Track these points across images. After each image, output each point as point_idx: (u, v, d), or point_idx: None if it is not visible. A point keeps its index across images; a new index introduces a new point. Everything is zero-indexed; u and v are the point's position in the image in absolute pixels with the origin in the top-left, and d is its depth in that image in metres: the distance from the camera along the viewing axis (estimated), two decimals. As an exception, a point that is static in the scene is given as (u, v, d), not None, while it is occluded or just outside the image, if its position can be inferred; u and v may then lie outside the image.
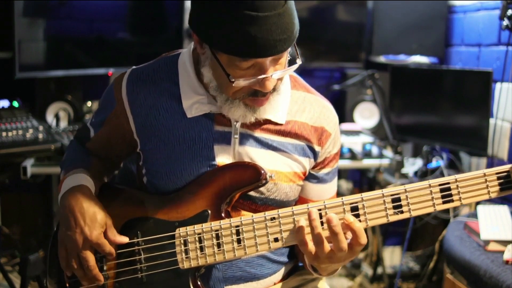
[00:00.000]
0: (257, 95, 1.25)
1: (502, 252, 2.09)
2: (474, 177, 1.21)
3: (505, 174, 1.20)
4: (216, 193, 1.29)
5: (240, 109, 1.27)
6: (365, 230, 3.71)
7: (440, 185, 1.21)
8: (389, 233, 3.62)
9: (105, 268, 1.32)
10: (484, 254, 2.11)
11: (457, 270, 2.27)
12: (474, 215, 2.44)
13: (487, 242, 2.16)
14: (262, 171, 1.28)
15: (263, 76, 1.20)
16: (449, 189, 1.21)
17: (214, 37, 1.18)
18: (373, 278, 3.38)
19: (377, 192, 1.22)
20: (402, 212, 1.22)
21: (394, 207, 1.22)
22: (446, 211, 2.98)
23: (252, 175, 1.28)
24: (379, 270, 3.36)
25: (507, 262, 2.02)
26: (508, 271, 1.95)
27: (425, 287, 3.08)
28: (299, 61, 1.25)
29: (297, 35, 1.22)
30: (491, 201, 2.80)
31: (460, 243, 2.26)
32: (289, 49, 1.25)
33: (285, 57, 1.25)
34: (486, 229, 2.20)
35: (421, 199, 1.22)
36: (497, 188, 1.20)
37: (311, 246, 1.20)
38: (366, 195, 1.22)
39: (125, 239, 1.31)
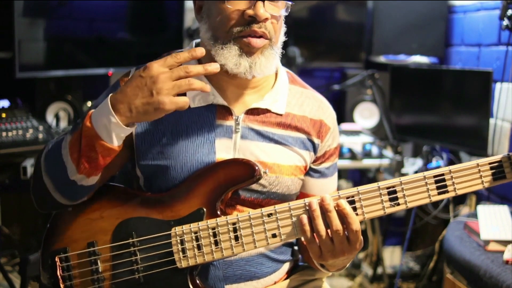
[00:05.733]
0: (250, 26, 1.26)
1: (502, 252, 2.09)
2: (468, 167, 1.23)
3: (497, 164, 1.23)
4: (211, 190, 1.29)
5: (235, 54, 1.27)
6: (365, 229, 3.69)
7: (434, 176, 1.23)
8: (389, 233, 3.62)
9: (100, 269, 1.31)
10: (484, 254, 2.11)
11: (457, 270, 2.27)
12: (474, 215, 2.44)
13: (487, 242, 2.16)
14: (256, 167, 1.28)
15: None
16: (443, 180, 1.23)
17: None
18: (373, 278, 3.38)
19: (373, 185, 1.24)
20: (398, 204, 1.23)
21: (390, 199, 1.24)
22: (446, 211, 2.98)
23: (246, 171, 1.28)
24: (379, 270, 3.36)
25: (507, 262, 2.02)
26: (508, 271, 1.95)
27: (425, 287, 3.08)
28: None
29: None
30: (491, 201, 2.80)
31: (460, 243, 2.26)
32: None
33: (281, 5, 1.29)
34: (486, 229, 2.20)
35: (416, 190, 1.23)
36: (490, 178, 1.23)
37: (313, 238, 1.22)
38: (362, 188, 1.24)
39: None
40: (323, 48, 3.51)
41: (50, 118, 2.93)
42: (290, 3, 1.31)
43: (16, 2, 2.61)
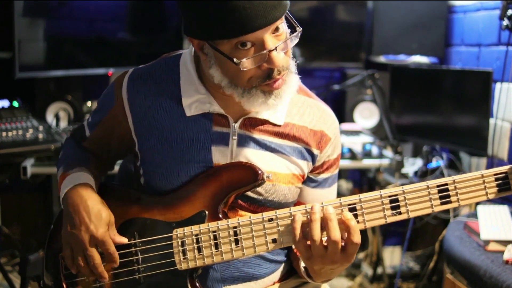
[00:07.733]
0: (270, 77, 1.22)
1: (502, 252, 2.09)
2: (472, 178, 1.20)
3: (503, 175, 1.19)
4: (213, 193, 1.29)
5: (259, 97, 1.24)
6: (365, 230, 3.69)
7: (438, 186, 1.20)
8: (389, 233, 3.62)
9: None
10: (484, 254, 2.11)
11: (457, 270, 2.27)
12: (474, 215, 2.44)
13: (487, 242, 2.16)
14: (259, 171, 1.28)
15: (266, 50, 1.18)
16: (447, 190, 1.20)
17: (208, 28, 1.18)
18: (373, 278, 3.38)
19: (375, 193, 1.22)
20: (400, 213, 1.21)
21: (392, 208, 1.21)
22: (446, 211, 2.98)
23: (249, 175, 1.28)
24: (379, 270, 3.36)
25: (507, 262, 2.02)
26: (508, 271, 1.95)
27: (425, 287, 3.08)
28: (299, 29, 1.23)
29: (289, 3, 1.22)
30: (491, 201, 2.80)
31: (460, 243, 2.26)
32: (284, 21, 1.23)
33: (284, 32, 1.23)
34: (486, 229, 2.20)
35: (419, 200, 1.21)
36: (495, 189, 1.19)
37: (304, 239, 1.20)
38: (364, 196, 1.22)
39: (124, 240, 1.31)
40: (323, 48, 3.50)
41: (50, 118, 2.93)
42: (297, 34, 1.24)
43: (16, 2, 2.61)
